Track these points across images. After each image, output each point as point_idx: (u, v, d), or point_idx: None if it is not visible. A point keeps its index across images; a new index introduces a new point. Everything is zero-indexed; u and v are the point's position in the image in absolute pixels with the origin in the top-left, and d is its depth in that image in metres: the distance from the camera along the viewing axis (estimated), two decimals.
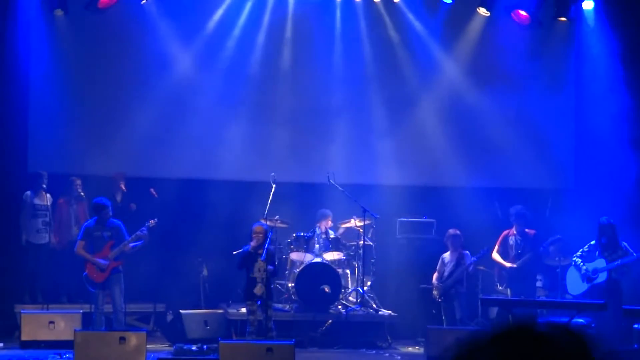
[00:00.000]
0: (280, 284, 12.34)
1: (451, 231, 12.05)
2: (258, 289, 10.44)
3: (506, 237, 11.95)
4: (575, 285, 11.32)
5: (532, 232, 11.89)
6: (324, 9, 13.48)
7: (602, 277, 11.10)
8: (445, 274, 11.94)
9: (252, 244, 10.54)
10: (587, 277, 11.16)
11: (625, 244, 11.23)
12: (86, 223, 11.29)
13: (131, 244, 11.08)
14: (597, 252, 11.23)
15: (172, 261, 12.74)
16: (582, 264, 11.25)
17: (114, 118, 12.98)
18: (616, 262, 11.06)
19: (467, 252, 11.92)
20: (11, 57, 12.36)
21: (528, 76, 13.73)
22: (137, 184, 12.75)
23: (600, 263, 11.14)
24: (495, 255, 11.95)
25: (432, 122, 13.60)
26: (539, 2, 13.40)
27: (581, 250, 11.35)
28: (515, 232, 11.89)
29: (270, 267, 10.61)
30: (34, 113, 12.77)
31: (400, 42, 13.61)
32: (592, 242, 11.29)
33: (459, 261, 11.88)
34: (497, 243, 11.99)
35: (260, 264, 10.41)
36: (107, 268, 10.96)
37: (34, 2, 12.54)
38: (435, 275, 12.04)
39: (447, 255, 12.04)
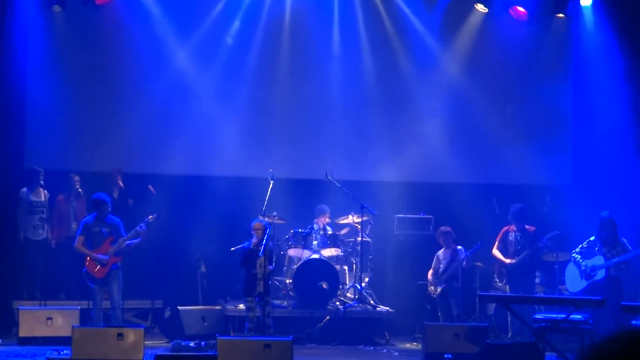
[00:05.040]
0: (278, 281, 12.33)
1: (442, 228, 12.07)
2: (261, 286, 10.46)
3: (506, 233, 11.94)
4: (574, 282, 11.31)
5: (532, 228, 11.87)
6: (322, 5, 13.47)
7: (600, 275, 11.09)
8: (440, 270, 11.95)
9: (254, 241, 10.55)
10: (586, 274, 11.16)
11: (625, 240, 11.23)
12: (85, 219, 11.27)
13: (127, 241, 11.05)
14: (596, 248, 11.22)
15: (170, 257, 12.74)
16: (581, 260, 11.23)
17: (111, 114, 12.96)
18: (614, 259, 11.05)
19: (461, 247, 11.93)
20: (9, 53, 12.33)
21: (526, 72, 13.74)
22: (134, 180, 12.74)
23: (599, 260, 11.13)
24: (495, 252, 11.94)
25: (430, 119, 13.59)
26: None
27: (580, 246, 11.34)
28: (515, 228, 11.88)
29: (270, 266, 10.62)
30: (31, 109, 12.75)
31: (398, 39, 13.61)
32: (592, 238, 11.28)
33: (453, 257, 11.89)
34: (497, 239, 11.98)
35: (261, 260, 10.44)
36: (107, 263, 10.94)
37: None
38: (430, 272, 12.06)
39: (441, 252, 12.06)
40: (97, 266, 10.95)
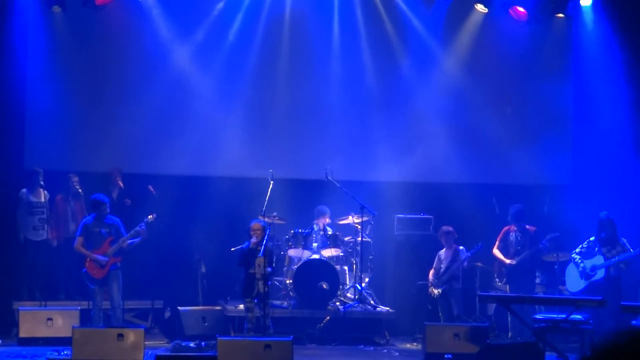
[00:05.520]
0: (278, 281, 12.33)
1: (444, 228, 12.08)
2: (261, 286, 10.46)
3: (507, 233, 11.95)
4: (573, 282, 11.33)
5: (532, 228, 11.88)
6: (322, 5, 13.47)
7: (600, 274, 11.11)
8: (442, 270, 11.95)
9: (253, 240, 10.54)
10: (586, 274, 11.17)
11: (625, 239, 11.24)
12: (84, 220, 11.28)
13: (129, 240, 11.06)
14: (596, 248, 11.23)
15: (170, 258, 12.73)
16: (580, 260, 11.25)
17: (111, 114, 12.96)
18: (614, 259, 11.07)
19: (462, 247, 11.94)
20: (8, 53, 12.33)
21: (526, 73, 13.73)
22: (134, 180, 12.75)
23: (599, 260, 11.14)
24: (496, 251, 11.95)
25: (430, 118, 13.59)
26: None
27: (580, 246, 11.36)
28: (515, 228, 11.89)
29: (269, 268, 10.60)
30: (31, 110, 12.75)
31: (398, 39, 13.60)
32: (592, 239, 11.31)
33: (454, 257, 11.89)
34: (498, 239, 11.99)
35: (260, 260, 10.43)
36: (106, 264, 10.95)
37: None
38: (431, 272, 12.06)
39: (442, 252, 12.06)
40: (96, 267, 10.96)
